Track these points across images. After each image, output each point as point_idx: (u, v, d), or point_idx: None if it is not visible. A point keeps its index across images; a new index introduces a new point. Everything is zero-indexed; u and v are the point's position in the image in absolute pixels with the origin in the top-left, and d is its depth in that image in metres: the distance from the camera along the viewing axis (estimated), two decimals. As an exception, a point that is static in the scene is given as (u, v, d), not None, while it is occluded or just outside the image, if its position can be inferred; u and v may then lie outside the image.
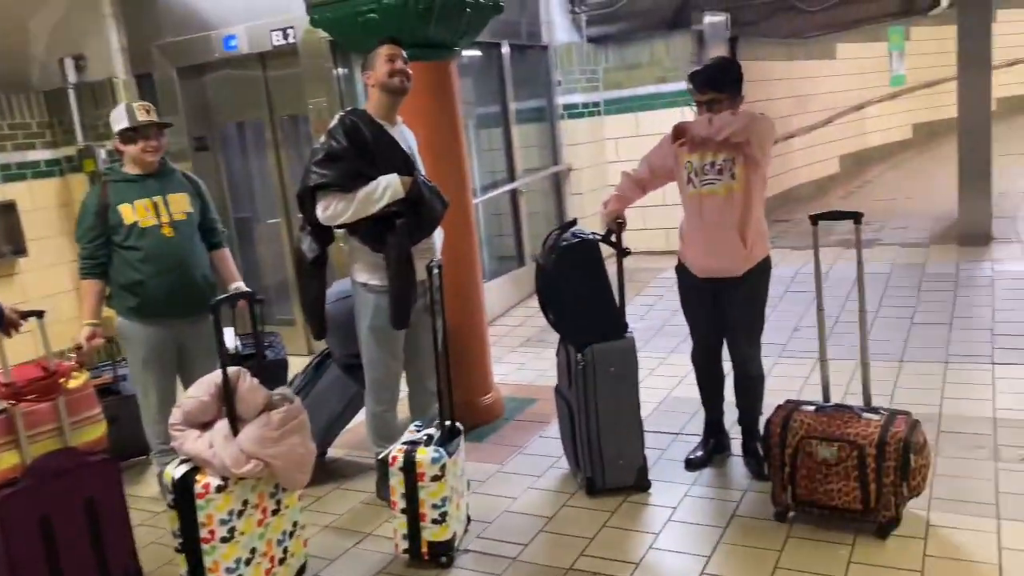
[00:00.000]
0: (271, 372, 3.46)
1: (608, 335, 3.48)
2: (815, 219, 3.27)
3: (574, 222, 3.75)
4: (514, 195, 7.25)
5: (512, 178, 7.21)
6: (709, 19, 8.04)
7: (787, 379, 4.51)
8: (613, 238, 3.56)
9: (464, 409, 3.84)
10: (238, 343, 3.69)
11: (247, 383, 2.88)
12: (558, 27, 7.83)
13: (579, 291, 3.50)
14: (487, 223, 7.10)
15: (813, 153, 10.76)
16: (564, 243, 3.53)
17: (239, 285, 3.69)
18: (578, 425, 3.56)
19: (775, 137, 3.47)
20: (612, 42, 8.14)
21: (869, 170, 12.09)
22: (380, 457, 3.48)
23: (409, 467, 3.02)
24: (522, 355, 5.75)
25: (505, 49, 7.08)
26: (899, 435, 2.94)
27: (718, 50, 8.14)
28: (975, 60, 6.89)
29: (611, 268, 3.55)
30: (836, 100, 11.23)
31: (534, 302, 7.12)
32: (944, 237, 7.30)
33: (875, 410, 3.12)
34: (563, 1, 7.88)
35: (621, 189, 3.67)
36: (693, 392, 3.92)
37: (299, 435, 2.92)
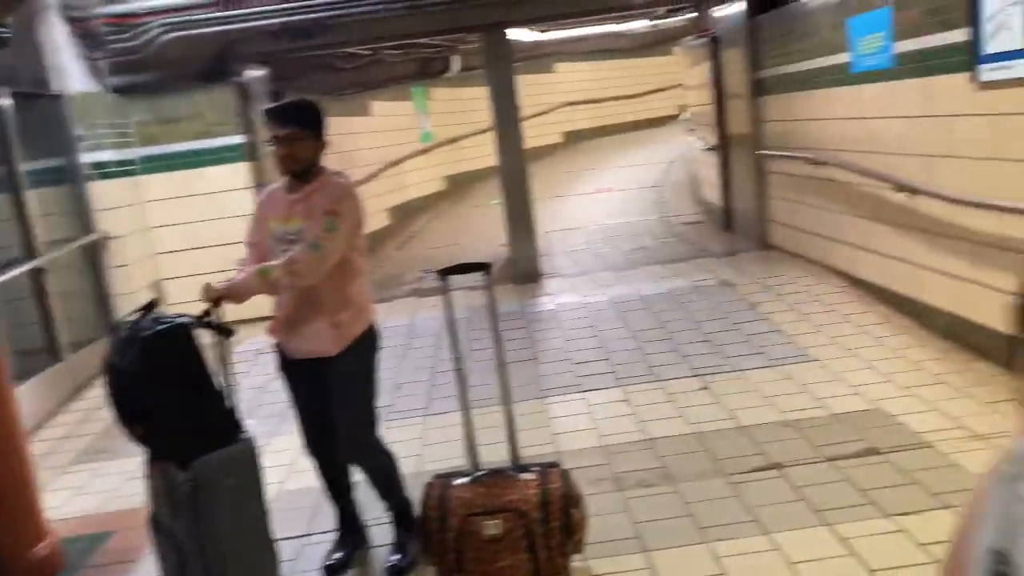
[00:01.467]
0: None
1: (219, 441, 2.78)
2: (443, 273, 3.04)
3: (154, 304, 2.96)
4: (37, 274, 5.84)
5: (31, 254, 5.80)
6: (251, 73, 7.57)
7: (404, 444, 4.22)
8: (212, 318, 2.88)
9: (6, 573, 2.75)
10: None
11: None
12: (72, 74, 6.60)
13: (173, 391, 2.73)
14: (2, 313, 5.58)
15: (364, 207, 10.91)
16: (145, 332, 2.73)
17: None
18: (191, 564, 2.77)
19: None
20: (143, 93, 7.17)
21: (414, 221, 12.72)
22: None
23: None
24: (78, 475, 4.55)
25: (5, 100, 5.69)
26: (559, 491, 2.81)
27: (262, 105, 7.72)
28: (506, 114, 7.56)
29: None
30: (376, 156, 11.57)
31: (79, 405, 5.89)
32: (500, 278, 7.83)
33: (527, 468, 2.96)
34: (77, 44, 6.68)
35: (241, 267, 3.11)
36: (309, 480, 3.40)
37: None
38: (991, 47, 4.01)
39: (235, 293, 2.92)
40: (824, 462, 3.59)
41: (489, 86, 7.60)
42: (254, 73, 7.62)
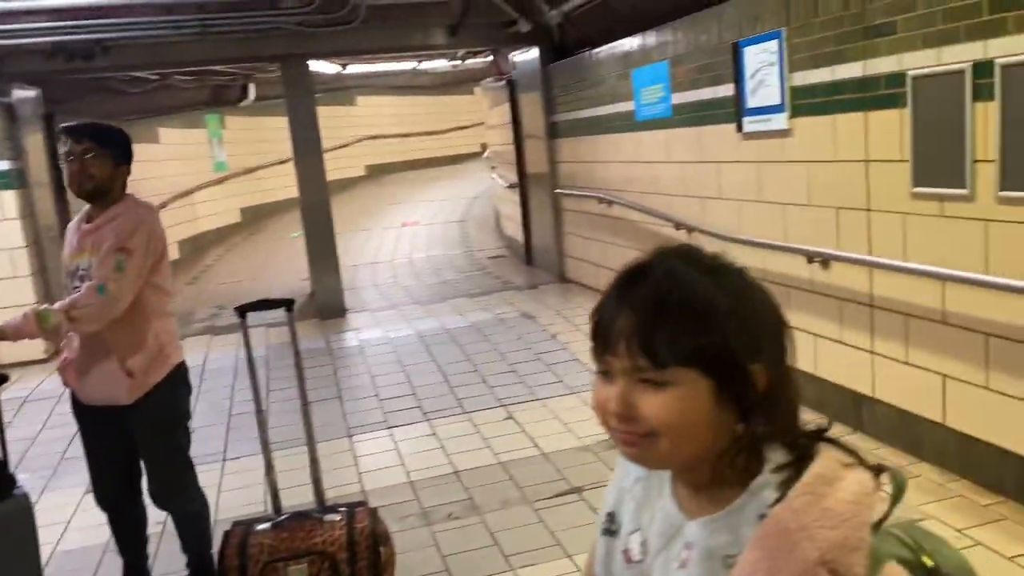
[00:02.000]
0: None
1: (-18, 501, 2.48)
2: (242, 310, 2.92)
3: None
4: None
5: None
6: (19, 93, 6.91)
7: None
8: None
9: None
10: None
11: None
12: None
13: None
14: None
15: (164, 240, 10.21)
16: None
17: None
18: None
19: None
20: None
21: (207, 254, 12.09)
22: None
23: None
24: None
25: None
26: (366, 530, 2.77)
27: (32, 128, 7.06)
28: (307, 145, 7.43)
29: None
30: (164, 185, 10.91)
31: None
32: (304, 313, 7.63)
33: (334, 509, 2.89)
34: None
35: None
36: (88, 539, 3.13)
37: None
38: (752, 102, 4.52)
39: (4, 335, 2.64)
40: (620, 483, 3.80)
41: (289, 116, 7.44)
42: (24, 94, 6.96)
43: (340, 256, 7.76)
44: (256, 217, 14.29)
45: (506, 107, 9.17)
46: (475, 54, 10.76)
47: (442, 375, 5.56)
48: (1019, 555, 2.88)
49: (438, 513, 3.70)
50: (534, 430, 4.54)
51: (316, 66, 10.68)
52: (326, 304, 7.46)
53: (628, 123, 6.18)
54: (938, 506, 3.27)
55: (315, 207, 7.52)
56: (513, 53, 8.67)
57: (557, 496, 3.74)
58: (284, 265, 10.12)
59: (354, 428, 4.83)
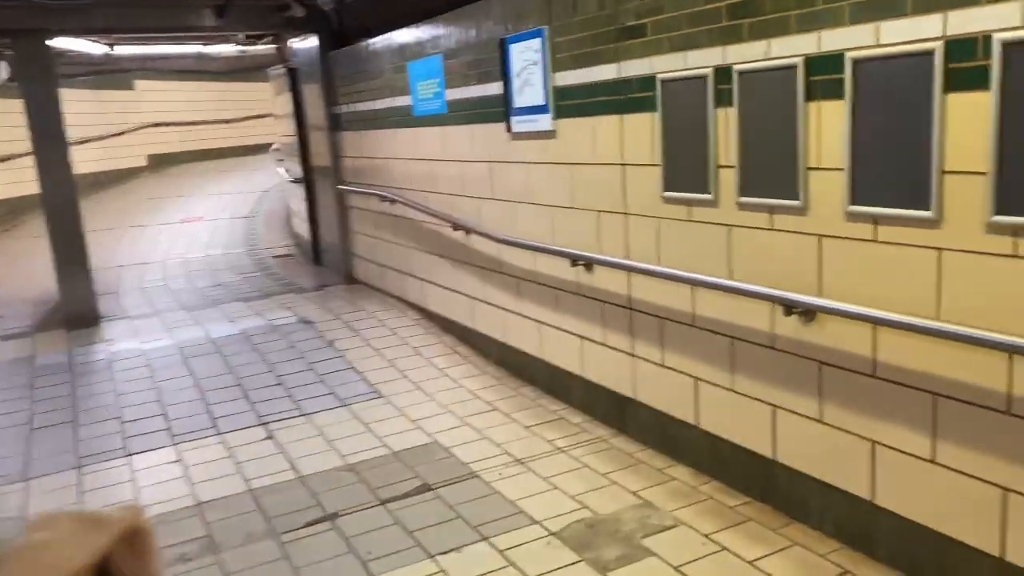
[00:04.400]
0: None
1: None
2: None
3: None
4: None
5: None
6: None
7: None
8: None
9: None
10: None
11: None
12: None
13: None
14: None
15: None
16: None
17: None
18: None
19: None
20: None
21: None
22: None
23: None
24: None
25: None
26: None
27: None
28: (48, 134, 6.54)
29: None
30: None
31: None
32: (49, 323, 6.75)
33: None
34: None
35: None
36: None
37: None
38: (519, 101, 4.40)
39: None
40: (379, 506, 3.54)
41: (25, 101, 6.51)
42: None
43: (107, 256, 6.93)
44: (12, 212, 12.68)
45: (289, 96, 8.62)
46: (257, 39, 10.06)
47: (198, 391, 5.04)
48: (760, 557, 2.92)
49: (169, 555, 3.25)
50: (295, 450, 4.18)
51: (68, 44, 9.57)
52: (74, 313, 6.61)
53: (407, 118, 5.92)
54: (689, 511, 3.28)
55: (59, 203, 6.65)
56: (292, 40, 8.15)
57: (307, 526, 3.42)
58: (41, 267, 8.96)
59: (86, 458, 4.23)
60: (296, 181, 8.98)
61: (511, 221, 4.70)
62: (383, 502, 3.57)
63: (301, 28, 7.45)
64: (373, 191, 6.64)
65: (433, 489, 3.66)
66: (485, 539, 3.20)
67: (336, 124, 7.47)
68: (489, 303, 5.17)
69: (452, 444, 4.12)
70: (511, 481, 3.67)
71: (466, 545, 3.17)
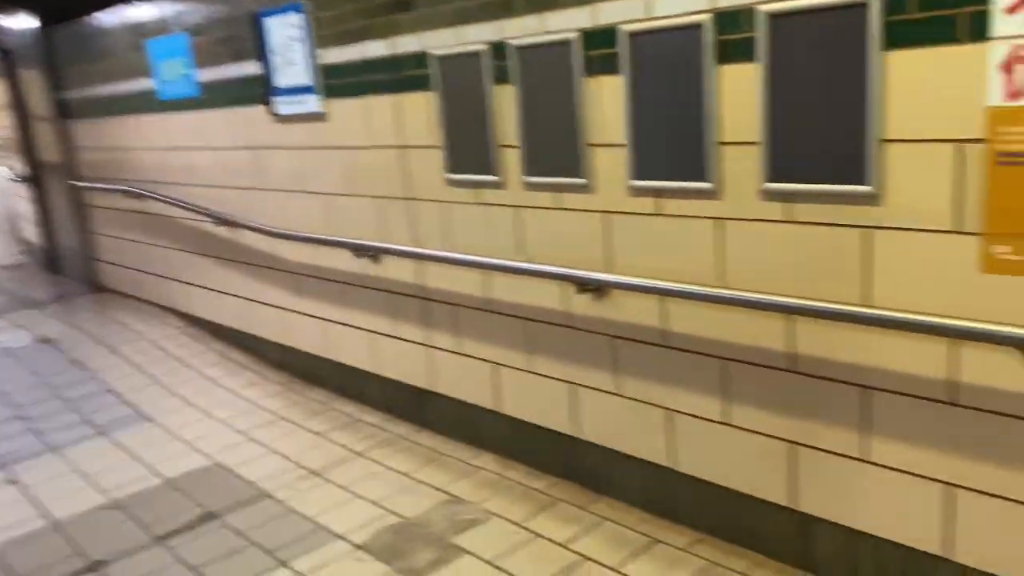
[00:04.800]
0: None
1: None
2: None
3: None
4: None
5: None
6: None
7: None
8: None
9: None
10: None
11: None
12: None
13: None
14: None
15: None
16: None
17: None
18: None
19: None
20: None
21: None
22: None
23: None
24: None
25: None
26: None
27: None
28: None
29: None
30: None
31: None
32: None
33: None
34: None
35: None
36: None
37: None
38: (282, 81, 4.05)
39: None
40: (154, 545, 3.11)
41: None
42: None
43: None
44: None
45: (3, 82, 7.47)
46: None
47: (-90, 438, 4.20)
48: (573, 538, 2.90)
49: None
50: (46, 492, 3.59)
51: None
52: None
53: (152, 103, 5.29)
54: (499, 500, 3.20)
55: None
56: (2, 16, 7.05)
57: (68, 582, 2.93)
58: None
59: None
60: (21, 179, 7.83)
61: (284, 213, 4.34)
62: (159, 539, 3.14)
63: (12, 2, 6.43)
64: (117, 186, 5.91)
65: (218, 517, 3.28)
66: (283, 564, 2.91)
67: (66, 112, 6.56)
68: (266, 303, 4.77)
69: (236, 463, 3.74)
70: (307, 495, 3.39)
71: (263, 574, 2.87)
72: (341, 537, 3.04)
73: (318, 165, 4.01)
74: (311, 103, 3.89)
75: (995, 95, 1.83)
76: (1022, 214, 1.85)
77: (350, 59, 3.62)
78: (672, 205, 2.60)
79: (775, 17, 2.20)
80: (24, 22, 6.60)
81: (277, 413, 4.26)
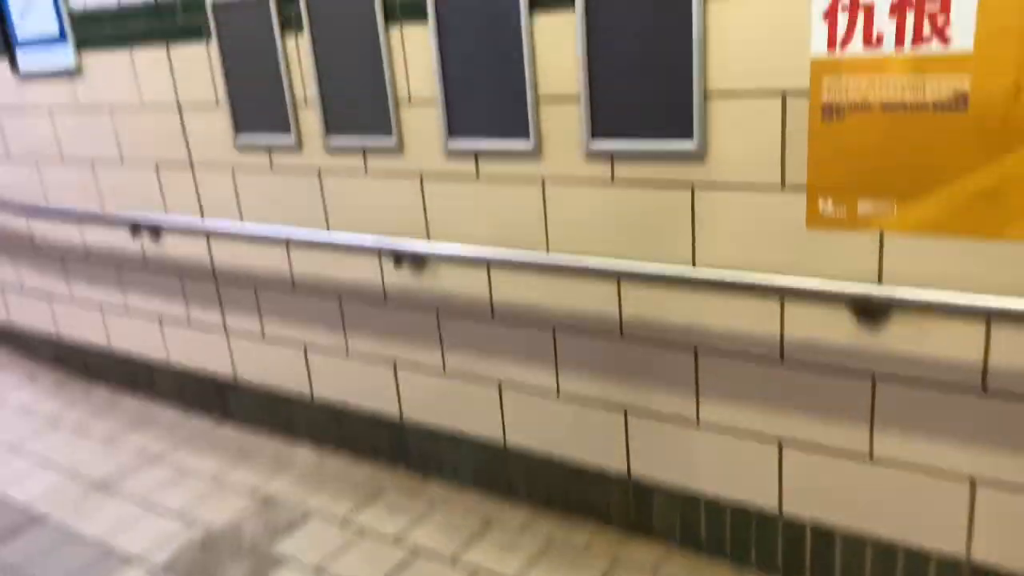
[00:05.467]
0: None
1: None
2: None
3: None
4: None
5: None
6: None
7: None
8: None
9: None
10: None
11: None
12: None
13: None
14: None
15: None
16: None
17: None
18: None
19: None
20: None
21: None
22: None
23: None
24: None
25: None
26: None
27: None
28: None
29: None
30: None
31: None
32: None
33: None
34: None
35: None
36: None
37: None
38: (24, 32, 3.40)
39: None
40: None
41: None
42: None
43: None
44: None
45: None
46: None
47: None
48: (404, 529, 2.70)
49: None
50: None
51: None
52: None
53: None
54: (319, 496, 2.92)
55: None
56: None
57: None
58: None
59: None
60: None
61: (40, 186, 3.71)
62: (-97, 592, 2.60)
63: None
64: None
65: (-19, 553, 2.77)
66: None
67: None
68: (29, 290, 4.11)
69: (5, 483, 3.19)
70: (95, 513, 2.93)
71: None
72: (137, 559, 2.65)
73: (79, 129, 3.43)
74: (63, 56, 3.30)
75: (818, 45, 1.76)
76: (843, 168, 1.82)
77: (105, 5, 3.08)
78: (491, 168, 2.40)
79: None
80: None
81: (54, 417, 3.69)
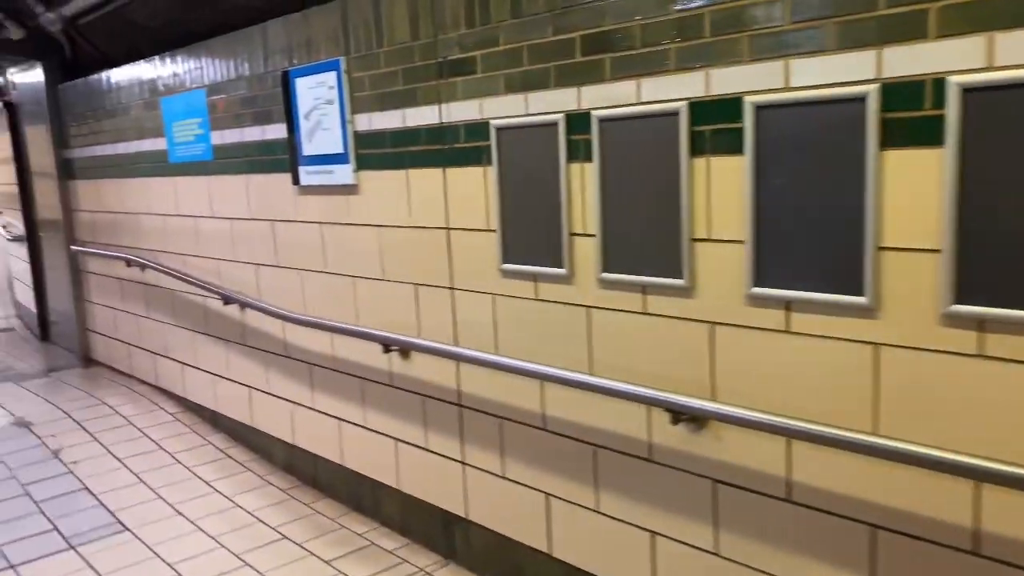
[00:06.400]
0: None
1: None
2: None
3: None
4: None
5: None
6: None
7: None
8: None
9: None
10: None
11: None
12: None
13: None
14: None
15: None
16: None
17: None
18: None
19: None
20: None
21: None
22: None
23: None
24: None
25: None
26: None
27: None
28: None
29: None
30: None
31: None
32: None
33: None
34: None
35: None
36: None
37: None
38: (309, 148, 3.56)
39: None
40: None
41: None
42: None
43: None
44: None
45: (7, 137, 7.06)
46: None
47: None
48: None
49: None
50: (-9, 627, 2.94)
51: None
52: None
53: (161, 165, 4.82)
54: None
55: None
56: (12, 70, 6.68)
57: None
58: None
59: None
60: (17, 239, 7.35)
61: (300, 294, 3.80)
62: None
63: (21, 53, 6.05)
64: (117, 253, 5.40)
65: (201, 676, 2.63)
66: None
67: (69, 171, 6.11)
68: (273, 394, 4.19)
69: (228, 598, 3.11)
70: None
71: None
72: None
73: (345, 243, 3.48)
74: (342, 174, 3.39)
75: None
76: None
77: (391, 126, 3.13)
78: (806, 321, 2.04)
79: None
80: (34, 76, 6.21)
81: (279, 530, 3.63)
